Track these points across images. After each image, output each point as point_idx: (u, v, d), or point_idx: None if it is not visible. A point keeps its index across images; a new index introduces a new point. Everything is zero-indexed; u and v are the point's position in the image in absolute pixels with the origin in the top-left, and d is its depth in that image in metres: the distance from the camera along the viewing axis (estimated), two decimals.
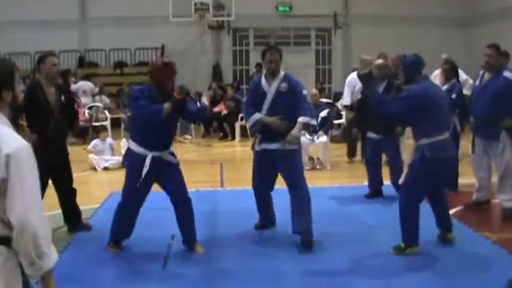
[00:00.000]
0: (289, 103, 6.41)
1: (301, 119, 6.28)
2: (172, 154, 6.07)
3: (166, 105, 5.73)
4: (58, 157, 6.44)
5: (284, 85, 6.50)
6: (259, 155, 6.59)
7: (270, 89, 6.51)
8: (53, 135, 6.37)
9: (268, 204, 6.93)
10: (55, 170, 6.43)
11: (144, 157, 5.83)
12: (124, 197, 6.09)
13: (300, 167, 6.57)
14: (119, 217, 6.14)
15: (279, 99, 6.47)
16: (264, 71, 6.88)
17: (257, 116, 6.47)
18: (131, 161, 5.96)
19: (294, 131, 6.28)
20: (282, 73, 6.58)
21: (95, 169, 10.96)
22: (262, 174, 6.64)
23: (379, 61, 8.33)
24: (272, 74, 6.55)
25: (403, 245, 5.81)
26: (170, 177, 6.09)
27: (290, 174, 6.39)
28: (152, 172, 5.86)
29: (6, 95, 2.68)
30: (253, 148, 6.70)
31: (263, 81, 6.62)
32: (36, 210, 2.66)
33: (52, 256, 2.77)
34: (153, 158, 5.84)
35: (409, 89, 5.95)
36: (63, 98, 6.57)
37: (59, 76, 7.29)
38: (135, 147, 5.90)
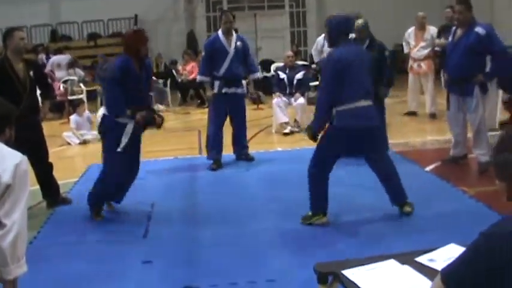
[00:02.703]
0: (242, 59, 8.13)
1: (253, 76, 8.54)
2: None
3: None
4: (32, 133, 6.36)
5: (239, 44, 8.06)
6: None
7: (230, 47, 7.97)
8: (26, 111, 6.30)
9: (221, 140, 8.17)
10: (30, 145, 6.36)
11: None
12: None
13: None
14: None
15: (236, 56, 8.02)
16: (219, 31, 8.18)
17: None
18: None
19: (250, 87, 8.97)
20: (234, 33, 8.11)
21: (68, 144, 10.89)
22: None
23: (358, 22, 8.24)
24: (228, 33, 8.02)
25: (310, 213, 5.66)
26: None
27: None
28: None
29: (7, 132, 3.03)
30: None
31: (222, 39, 8.00)
32: (25, 221, 2.90)
33: (23, 267, 2.91)
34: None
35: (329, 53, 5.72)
36: (31, 73, 6.48)
37: (31, 51, 7.22)
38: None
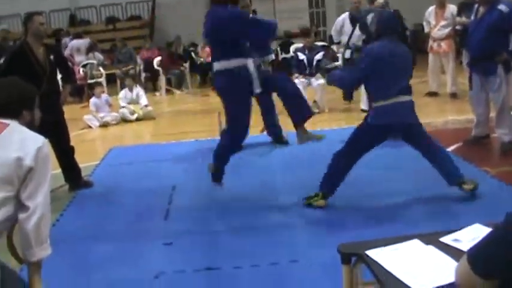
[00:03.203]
0: None
1: (267, 58, 7.89)
2: None
3: None
4: (53, 116, 6.37)
5: None
6: None
7: None
8: (46, 94, 6.30)
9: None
10: (51, 129, 6.38)
11: None
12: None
13: None
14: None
15: None
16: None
17: None
18: None
19: None
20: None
21: (89, 127, 10.94)
22: None
23: (380, 0, 8.21)
24: None
25: (313, 194, 5.69)
26: None
27: None
28: None
29: (26, 115, 3.01)
30: None
31: None
32: (49, 204, 2.90)
33: (47, 249, 2.91)
34: None
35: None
36: (52, 57, 6.50)
37: (51, 36, 7.26)
38: None
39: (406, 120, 5.45)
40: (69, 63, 11.95)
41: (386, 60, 5.32)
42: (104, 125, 10.98)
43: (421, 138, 5.62)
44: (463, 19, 9.93)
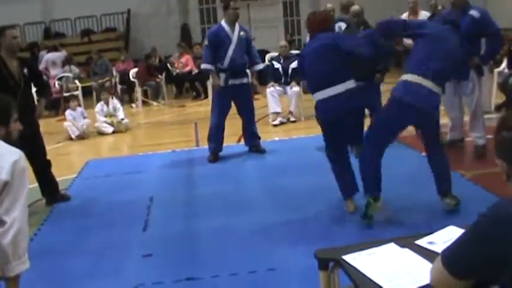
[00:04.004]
0: (245, 49, 8.02)
1: (256, 67, 8.30)
2: None
3: None
4: (28, 130, 6.32)
5: (243, 33, 7.98)
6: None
7: (233, 36, 7.87)
8: (20, 109, 6.24)
9: (222, 132, 8.14)
10: (26, 143, 6.31)
11: None
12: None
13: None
14: None
15: (239, 45, 7.90)
16: (223, 21, 8.07)
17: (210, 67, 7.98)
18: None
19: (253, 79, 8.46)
20: (236, 23, 7.94)
21: (70, 139, 10.87)
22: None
23: (355, 7, 8.23)
24: (233, 22, 7.89)
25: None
26: None
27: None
28: None
29: (1, 129, 3.06)
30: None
31: (226, 29, 7.84)
32: (26, 218, 2.90)
33: (25, 263, 2.92)
34: None
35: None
36: (25, 70, 6.45)
37: (25, 50, 7.20)
38: None
39: (418, 103, 5.10)
40: (44, 77, 11.91)
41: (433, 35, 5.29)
42: (81, 137, 10.91)
43: (436, 135, 5.41)
44: None
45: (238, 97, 8.12)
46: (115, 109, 11.55)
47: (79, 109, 11.49)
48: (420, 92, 5.10)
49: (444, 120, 8.09)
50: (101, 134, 11.22)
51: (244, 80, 8.13)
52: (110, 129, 11.24)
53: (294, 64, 10.96)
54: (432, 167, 5.46)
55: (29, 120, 6.44)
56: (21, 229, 2.80)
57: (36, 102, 6.98)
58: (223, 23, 8.02)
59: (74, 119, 11.12)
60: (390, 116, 5.27)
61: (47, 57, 16.07)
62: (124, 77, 15.56)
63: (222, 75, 7.92)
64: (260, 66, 8.45)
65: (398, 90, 5.17)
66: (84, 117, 11.26)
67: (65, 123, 11.12)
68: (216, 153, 8.15)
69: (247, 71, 8.27)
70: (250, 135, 8.42)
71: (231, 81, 7.95)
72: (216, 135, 8.12)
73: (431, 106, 5.20)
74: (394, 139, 5.56)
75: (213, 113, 8.18)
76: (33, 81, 6.71)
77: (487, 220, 1.98)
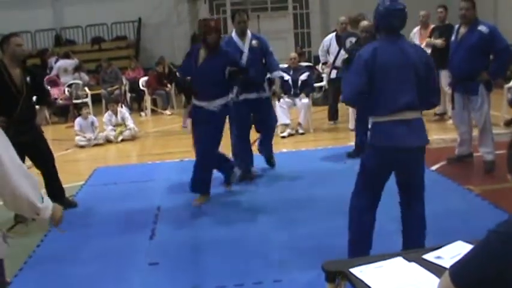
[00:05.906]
0: (260, 59, 7.58)
1: (275, 75, 7.77)
2: None
3: None
4: (30, 137, 6.36)
5: (255, 42, 7.56)
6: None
7: (245, 46, 7.49)
8: (22, 116, 6.29)
9: (248, 150, 7.72)
10: (30, 150, 6.34)
11: None
12: None
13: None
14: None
15: (252, 56, 7.45)
16: (233, 32, 7.70)
17: None
18: None
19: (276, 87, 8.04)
20: (249, 32, 7.60)
21: (80, 146, 10.91)
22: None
23: (365, 23, 8.20)
24: (242, 34, 7.53)
25: None
26: None
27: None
28: None
29: None
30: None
31: (236, 40, 7.53)
32: (23, 180, 2.73)
33: (48, 206, 2.87)
34: None
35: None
36: (28, 78, 6.45)
37: (35, 56, 7.20)
38: None
39: (405, 144, 4.43)
40: (52, 84, 11.96)
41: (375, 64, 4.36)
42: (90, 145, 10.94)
43: (417, 178, 4.73)
44: (432, 39, 10.14)
45: (255, 112, 7.62)
46: (123, 119, 11.57)
47: (90, 118, 11.49)
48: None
49: (453, 135, 8.11)
50: (110, 141, 11.24)
51: (262, 94, 7.58)
52: (118, 139, 11.26)
53: (304, 76, 11.00)
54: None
55: (31, 127, 6.49)
56: (20, 193, 2.70)
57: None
58: (233, 34, 7.69)
59: (81, 129, 11.13)
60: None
61: (59, 63, 16.17)
62: (134, 85, 15.62)
63: (234, 89, 7.22)
64: (276, 74, 7.78)
65: None
66: (95, 127, 11.24)
67: (77, 138, 11.11)
68: (245, 170, 7.58)
69: (265, 83, 7.70)
70: (263, 150, 8.14)
71: (244, 95, 7.41)
72: (239, 147, 7.57)
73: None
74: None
75: (233, 135, 7.63)
76: (35, 89, 6.68)
77: (497, 237, 1.97)
